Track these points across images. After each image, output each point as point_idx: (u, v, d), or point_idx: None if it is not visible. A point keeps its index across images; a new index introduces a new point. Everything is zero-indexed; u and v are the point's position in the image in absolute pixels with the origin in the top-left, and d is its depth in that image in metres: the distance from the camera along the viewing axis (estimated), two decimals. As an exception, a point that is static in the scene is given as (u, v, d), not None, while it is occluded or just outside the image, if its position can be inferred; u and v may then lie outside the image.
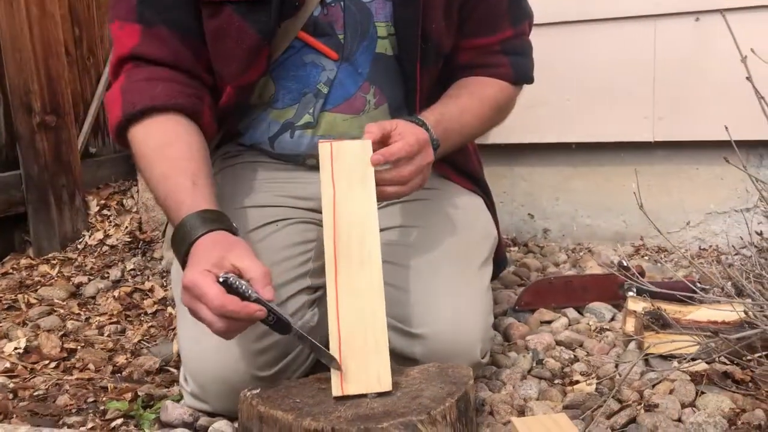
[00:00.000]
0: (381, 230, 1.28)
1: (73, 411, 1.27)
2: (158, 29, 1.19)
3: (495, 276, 1.48)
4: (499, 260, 1.52)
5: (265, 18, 1.19)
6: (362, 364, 1.00)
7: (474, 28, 1.36)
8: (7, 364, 1.46)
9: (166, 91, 1.18)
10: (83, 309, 1.83)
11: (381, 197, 1.10)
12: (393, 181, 1.10)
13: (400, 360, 1.16)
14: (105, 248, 2.32)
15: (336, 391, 0.99)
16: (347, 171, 1.08)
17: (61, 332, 1.65)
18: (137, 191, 2.50)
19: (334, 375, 1.00)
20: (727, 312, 1.30)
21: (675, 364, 1.27)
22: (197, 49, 1.23)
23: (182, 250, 1.05)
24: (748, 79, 1.01)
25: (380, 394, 0.99)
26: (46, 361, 1.49)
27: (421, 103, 1.32)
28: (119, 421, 1.21)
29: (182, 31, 1.21)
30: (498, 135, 1.49)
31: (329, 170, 1.08)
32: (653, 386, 1.21)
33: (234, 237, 1.05)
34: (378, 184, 1.09)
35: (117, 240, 2.35)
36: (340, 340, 1.01)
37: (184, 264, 1.05)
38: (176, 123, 1.17)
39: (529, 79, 1.43)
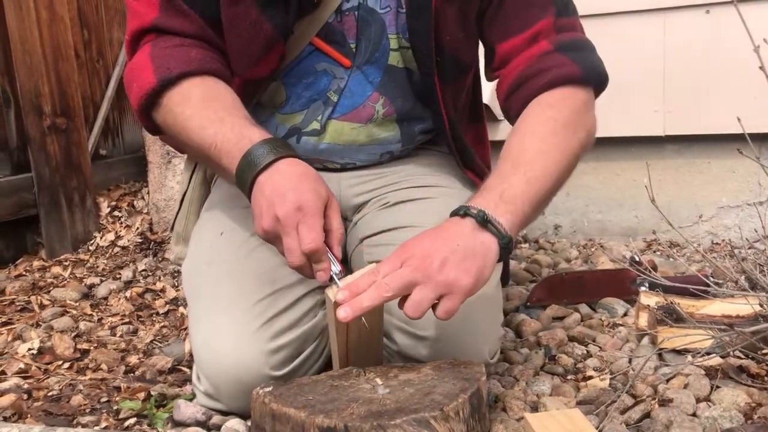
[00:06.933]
0: (388, 230, 1.28)
1: (87, 411, 1.27)
2: (178, 2, 1.16)
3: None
4: (503, 276, 1.44)
5: (283, 12, 1.17)
6: None
7: (507, 25, 1.21)
8: (21, 365, 1.47)
9: (201, 56, 1.15)
10: (95, 310, 1.84)
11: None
12: (405, 313, 0.95)
13: (407, 361, 1.15)
14: (116, 249, 2.33)
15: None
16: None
17: (74, 333, 1.66)
18: (147, 192, 2.52)
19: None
20: (742, 306, 1.29)
21: (689, 358, 1.26)
22: (217, 30, 1.20)
23: (250, 175, 1.02)
24: (761, 68, 1.00)
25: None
26: (60, 362, 1.50)
27: (450, 123, 1.29)
28: (132, 420, 1.22)
29: (200, 11, 1.17)
30: (507, 131, 1.48)
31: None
32: (667, 381, 1.20)
33: (310, 169, 1.04)
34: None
35: (128, 241, 2.36)
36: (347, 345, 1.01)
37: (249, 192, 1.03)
38: (215, 82, 1.15)
39: (603, 77, 1.23)
